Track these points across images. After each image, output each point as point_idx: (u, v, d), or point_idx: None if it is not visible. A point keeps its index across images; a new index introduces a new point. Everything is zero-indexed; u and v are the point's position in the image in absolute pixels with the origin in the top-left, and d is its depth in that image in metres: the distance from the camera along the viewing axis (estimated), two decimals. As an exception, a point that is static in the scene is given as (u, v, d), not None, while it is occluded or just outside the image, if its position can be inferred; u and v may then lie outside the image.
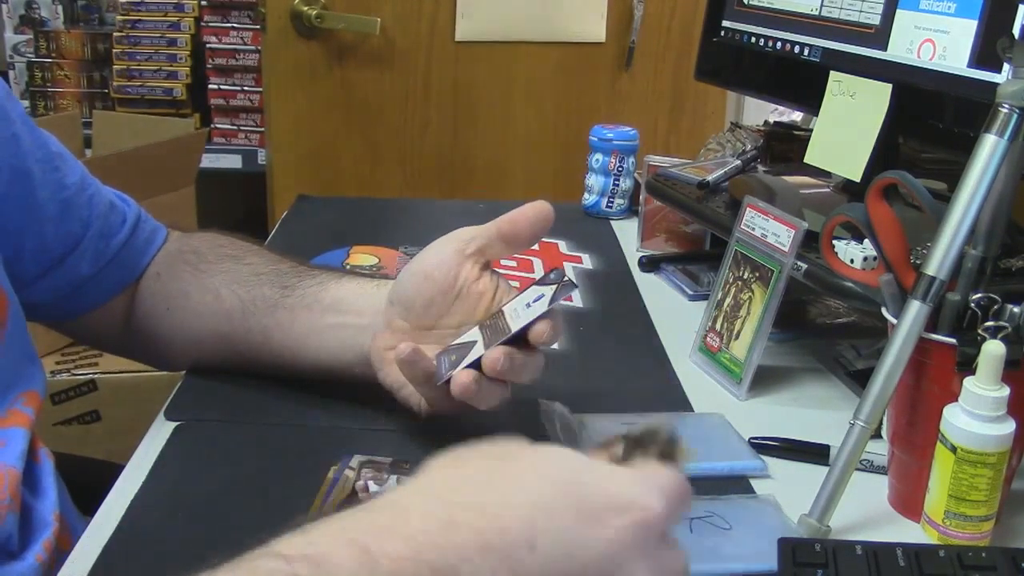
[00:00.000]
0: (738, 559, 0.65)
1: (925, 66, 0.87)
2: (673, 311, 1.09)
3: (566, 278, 0.72)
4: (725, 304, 0.94)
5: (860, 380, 0.90)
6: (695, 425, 0.84)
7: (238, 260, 0.86)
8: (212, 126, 2.49)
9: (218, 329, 0.84)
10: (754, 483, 0.76)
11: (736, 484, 0.75)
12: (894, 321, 0.69)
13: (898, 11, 0.90)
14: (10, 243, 0.77)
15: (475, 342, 0.71)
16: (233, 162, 2.49)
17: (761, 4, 1.09)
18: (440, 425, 0.75)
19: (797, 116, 1.64)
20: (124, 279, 0.86)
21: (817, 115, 0.97)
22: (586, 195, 1.41)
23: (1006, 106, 0.66)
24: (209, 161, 2.40)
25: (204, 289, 0.84)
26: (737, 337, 0.91)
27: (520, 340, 0.70)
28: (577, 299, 1.11)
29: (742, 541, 0.67)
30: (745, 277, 0.92)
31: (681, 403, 0.88)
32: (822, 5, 0.99)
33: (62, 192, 0.81)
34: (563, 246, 1.27)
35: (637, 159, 1.38)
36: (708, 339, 0.95)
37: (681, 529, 0.67)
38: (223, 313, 0.83)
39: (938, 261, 0.66)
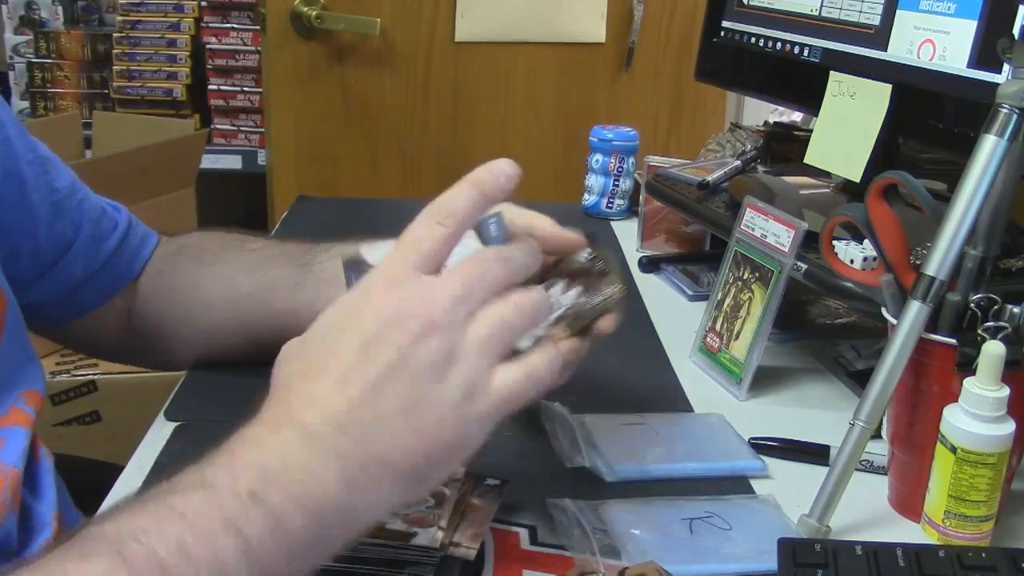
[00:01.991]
0: (738, 559, 0.65)
1: (925, 66, 0.87)
2: (673, 311, 1.10)
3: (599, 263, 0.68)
4: (725, 304, 0.94)
5: (860, 380, 0.90)
6: (695, 425, 0.84)
7: (242, 248, 0.85)
8: (212, 127, 2.49)
9: (235, 317, 0.83)
10: (754, 483, 0.76)
11: (736, 484, 0.75)
12: (894, 321, 0.69)
13: (898, 11, 0.90)
14: (5, 244, 0.77)
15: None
16: (233, 163, 2.49)
17: (761, 4, 1.09)
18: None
19: (797, 116, 1.64)
20: (118, 282, 0.86)
21: (817, 115, 0.97)
22: (586, 196, 1.41)
23: (1006, 106, 0.66)
24: (209, 162, 2.40)
25: (215, 278, 0.84)
26: (737, 337, 0.91)
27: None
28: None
29: (742, 541, 0.67)
30: (745, 277, 0.92)
31: (681, 403, 0.88)
32: (822, 5, 0.99)
33: (53, 195, 0.81)
34: (563, 246, 1.27)
35: (637, 159, 1.38)
36: (708, 339, 0.95)
37: (681, 529, 0.68)
38: (240, 299, 0.82)
39: (938, 261, 0.66)
